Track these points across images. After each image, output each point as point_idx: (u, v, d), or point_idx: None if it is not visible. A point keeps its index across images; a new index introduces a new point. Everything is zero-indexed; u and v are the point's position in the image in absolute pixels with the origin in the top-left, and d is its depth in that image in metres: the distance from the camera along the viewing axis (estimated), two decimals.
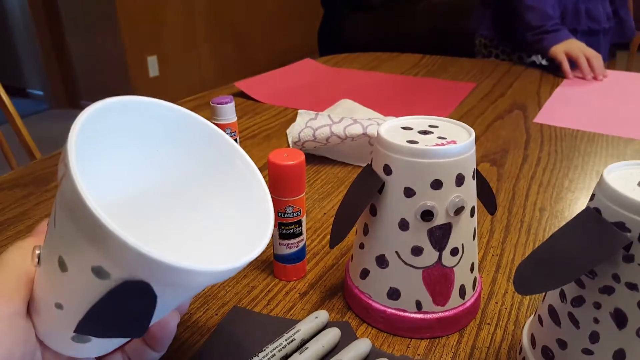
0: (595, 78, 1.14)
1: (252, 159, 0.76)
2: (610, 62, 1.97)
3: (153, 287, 0.24)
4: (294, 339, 0.37)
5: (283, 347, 0.36)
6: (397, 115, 0.41)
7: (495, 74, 1.19)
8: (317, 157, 0.72)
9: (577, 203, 0.60)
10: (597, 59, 1.14)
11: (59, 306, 0.26)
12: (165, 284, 0.24)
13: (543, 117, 0.90)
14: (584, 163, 0.71)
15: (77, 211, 0.22)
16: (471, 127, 0.83)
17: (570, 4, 1.25)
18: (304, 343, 0.37)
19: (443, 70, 1.24)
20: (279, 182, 0.41)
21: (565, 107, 0.96)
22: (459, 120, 0.87)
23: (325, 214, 0.58)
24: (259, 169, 0.70)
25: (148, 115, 0.31)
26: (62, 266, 0.25)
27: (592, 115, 0.91)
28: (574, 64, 1.14)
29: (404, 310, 0.39)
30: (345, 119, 0.68)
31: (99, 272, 0.24)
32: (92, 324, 0.25)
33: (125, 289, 0.24)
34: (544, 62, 1.23)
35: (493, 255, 0.50)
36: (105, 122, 0.28)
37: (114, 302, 0.24)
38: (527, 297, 0.44)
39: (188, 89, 3.21)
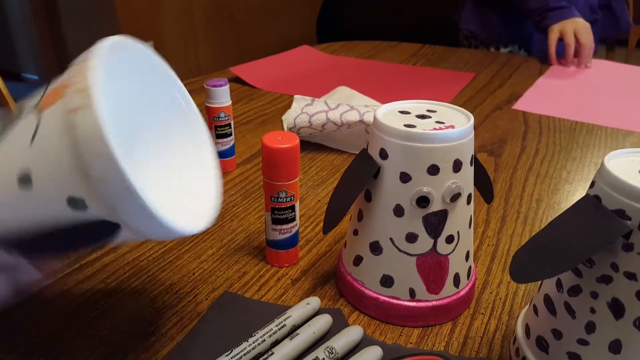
0: (578, 66, 1.13)
1: (247, 144, 0.75)
2: (609, 56, 1.97)
3: (121, 229, 0.24)
4: (284, 325, 0.36)
5: (273, 333, 0.35)
6: None
7: (494, 65, 1.18)
8: (312, 144, 0.71)
9: (575, 194, 0.59)
10: (588, 48, 1.12)
11: None
12: (133, 232, 0.24)
13: (522, 104, 0.89)
14: (582, 155, 0.70)
15: (86, 144, 0.22)
16: None
17: None
18: (294, 329, 0.36)
19: (442, 59, 1.23)
20: (272, 166, 0.41)
21: (550, 95, 0.95)
22: None
23: (319, 201, 0.57)
24: (254, 154, 0.69)
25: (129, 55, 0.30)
26: (24, 184, 0.24)
27: (580, 104, 0.90)
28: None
29: (397, 298, 0.38)
30: (342, 105, 0.67)
31: (75, 203, 0.23)
32: (37, 246, 0.25)
33: (97, 226, 0.23)
34: (522, 52, 1.22)
35: (489, 245, 0.49)
36: (109, 58, 0.28)
37: (75, 233, 0.24)
38: (522, 287, 0.43)
39: (185, 76, 3.17)
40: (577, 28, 1.13)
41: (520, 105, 0.90)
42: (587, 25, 1.13)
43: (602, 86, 1.03)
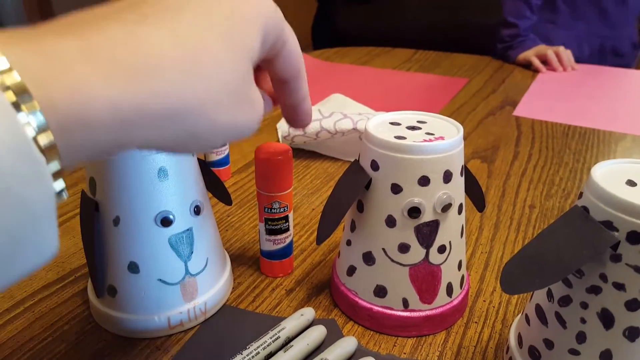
0: (564, 69, 1.17)
1: (241, 153, 0.75)
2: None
3: None
4: (278, 337, 0.36)
5: (268, 345, 0.35)
6: (388, 111, 0.41)
7: (487, 70, 1.18)
8: (306, 151, 0.72)
9: (568, 200, 0.59)
10: (565, 52, 1.18)
11: None
12: None
13: (521, 110, 0.90)
14: (574, 160, 0.71)
15: None
16: (462, 123, 0.83)
17: (596, 44, 1.29)
18: (289, 341, 0.36)
19: (436, 65, 1.23)
20: (266, 177, 0.41)
21: (545, 100, 0.96)
22: (450, 116, 0.87)
23: (313, 209, 0.57)
24: (248, 163, 0.69)
25: None
26: None
27: (572, 108, 0.91)
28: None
29: (391, 308, 0.38)
30: (336, 113, 0.68)
31: None
32: None
33: None
34: None
35: (482, 252, 0.49)
36: None
37: None
38: (515, 295, 0.43)
39: None
40: (546, 47, 1.19)
41: (519, 111, 0.90)
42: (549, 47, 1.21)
43: (594, 90, 1.04)
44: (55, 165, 0.17)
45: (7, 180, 0.15)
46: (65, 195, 0.18)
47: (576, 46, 1.27)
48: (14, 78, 0.15)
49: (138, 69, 0.18)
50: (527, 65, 1.22)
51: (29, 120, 0.15)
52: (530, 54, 1.20)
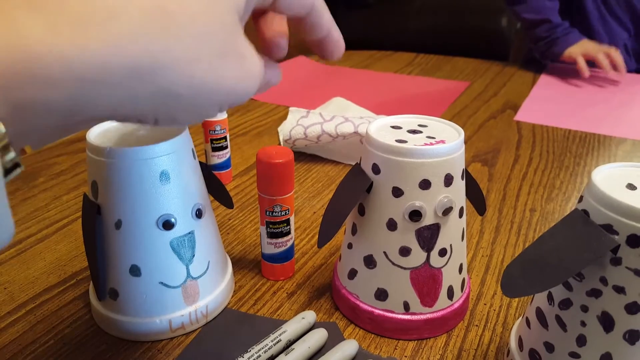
0: (616, 70, 1.09)
1: (243, 156, 0.75)
2: None
3: None
4: (280, 340, 0.36)
5: (269, 348, 0.35)
6: (390, 114, 0.41)
7: (488, 74, 1.19)
8: (308, 155, 0.72)
9: (568, 204, 0.60)
10: (616, 52, 1.10)
11: None
12: None
13: (522, 115, 0.90)
14: (575, 164, 0.71)
15: None
16: (463, 126, 0.83)
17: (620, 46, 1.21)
18: (290, 344, 0.36)
19: (437, 68, 1.24)
20: (267, 181, 0.41)
21: (546, 104, 0.96)
22: (451, 119, 0.87)
23: (315, 212, 0.58)
24: (250, 166, 0.69)
25: None
26: None
27: (573, 112, 0.91)
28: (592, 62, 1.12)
29: (392, 311, 0.38)
30: (337, 117, 0.68)
31: None
32: None
33: None
34: None
35: (482, 256, 0.50)
36: None
37: None
38: (516, 299, 0.43)
39: None
40: (593, 46, 1.11)
41: (520, 116, 0.90)
42: (596, 43, 1.13)
43: (595, 94, 1.04)
44: None
45: None
46: (19, 169, 0.16)
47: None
48: None
49: (91, 17, 0.16)
50: (529, 68, 1.22)
51: None
52: (577, 52, 1.11)
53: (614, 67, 1.09)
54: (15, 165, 0.16)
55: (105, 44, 0.16)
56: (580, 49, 1.11)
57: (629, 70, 1.17)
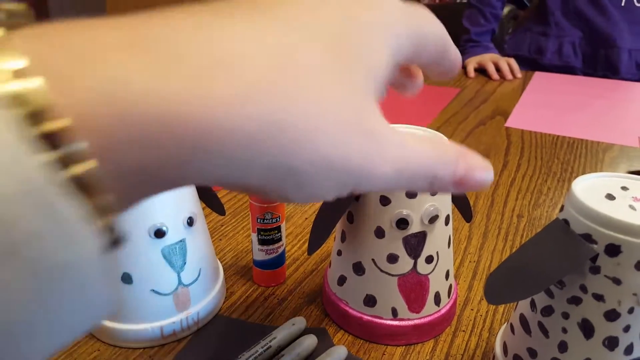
0: (514, 77, 1.22)
1: None
2: None
3: None
4: (270, 346, 0.37)
5: (259, 355, 0.36)
6: None
7: (479, 80, 1.20)
8: None
9: (555, 210, 0.61)
10: (504, 63, 1.22)
11: None
12: None
13: (512, 121, 0.91)
14: (562, 170, 0.72)
15: None
16: (453, 133, 0.84)
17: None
18: (280, 350, 0.37)
19: (427, 75, 1.25)
20: None
21: (535, 111, 0.97)
22: (441, 126, 0.88)
23: (306, 219, 0.58)
24: None
25: None
26: None
27: (562, 119, 0.92)
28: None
29: (380, 317, 0.39)
30: None
31: None
32: None
33: None
34: None
35: (470, 261, 0.50)
36: None
37: None
38: (502, 305, 0.44)
39: None
40: (490, 57, 1.25)
41: (511, 122, 0.91)
42: (496, 54, 1.27)
43: (583, 100, 1.05)
44: (100, 204, 0.12)
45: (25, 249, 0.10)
46: (121, 242, 0.13)
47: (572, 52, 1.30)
48: (28, 84, 0.11)
49: (209, 65, 0.13)
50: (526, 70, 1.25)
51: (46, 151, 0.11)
52: (471, 61, 1.26)
53: (511, 72, 1.22)
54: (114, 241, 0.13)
55: (231, 105, 0.13)
56: (477, 58, 1.27)
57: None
